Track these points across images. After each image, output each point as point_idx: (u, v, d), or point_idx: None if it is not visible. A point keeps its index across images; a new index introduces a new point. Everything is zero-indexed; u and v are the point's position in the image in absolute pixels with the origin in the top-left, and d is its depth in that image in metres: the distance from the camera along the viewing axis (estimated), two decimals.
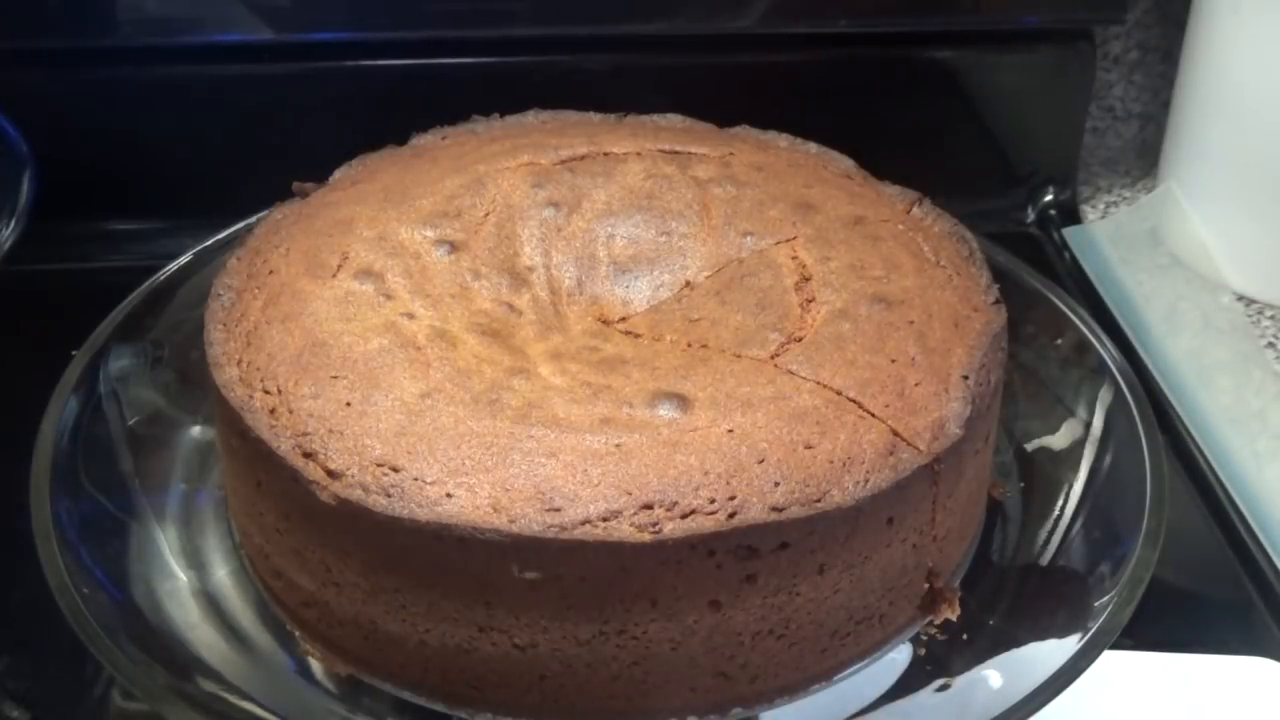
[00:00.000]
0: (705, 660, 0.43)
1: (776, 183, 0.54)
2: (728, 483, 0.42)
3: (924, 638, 0.48)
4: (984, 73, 0.80)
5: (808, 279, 0.50)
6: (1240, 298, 0.76)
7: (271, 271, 0.50)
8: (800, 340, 0.47)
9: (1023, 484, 0.55)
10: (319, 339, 0.46)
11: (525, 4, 0.74)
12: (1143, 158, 0.88)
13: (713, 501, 0.41)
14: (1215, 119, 0.75)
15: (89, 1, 0.71)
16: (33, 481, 0.49)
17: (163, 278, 0.58)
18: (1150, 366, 0.70)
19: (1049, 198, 0.84)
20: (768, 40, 0.78)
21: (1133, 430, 0.52)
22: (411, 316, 0.47)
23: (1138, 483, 0.50)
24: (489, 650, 0.43)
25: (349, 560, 0.44)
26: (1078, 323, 0.58)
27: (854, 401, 0.45)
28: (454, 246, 0.50)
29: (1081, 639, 0.45)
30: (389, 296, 0.48)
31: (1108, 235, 0.81)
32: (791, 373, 0.45)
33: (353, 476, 0.42)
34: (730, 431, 0.43)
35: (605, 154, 0.56)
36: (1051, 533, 0.52)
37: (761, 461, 0.42)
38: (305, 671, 0.47)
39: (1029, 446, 0.57)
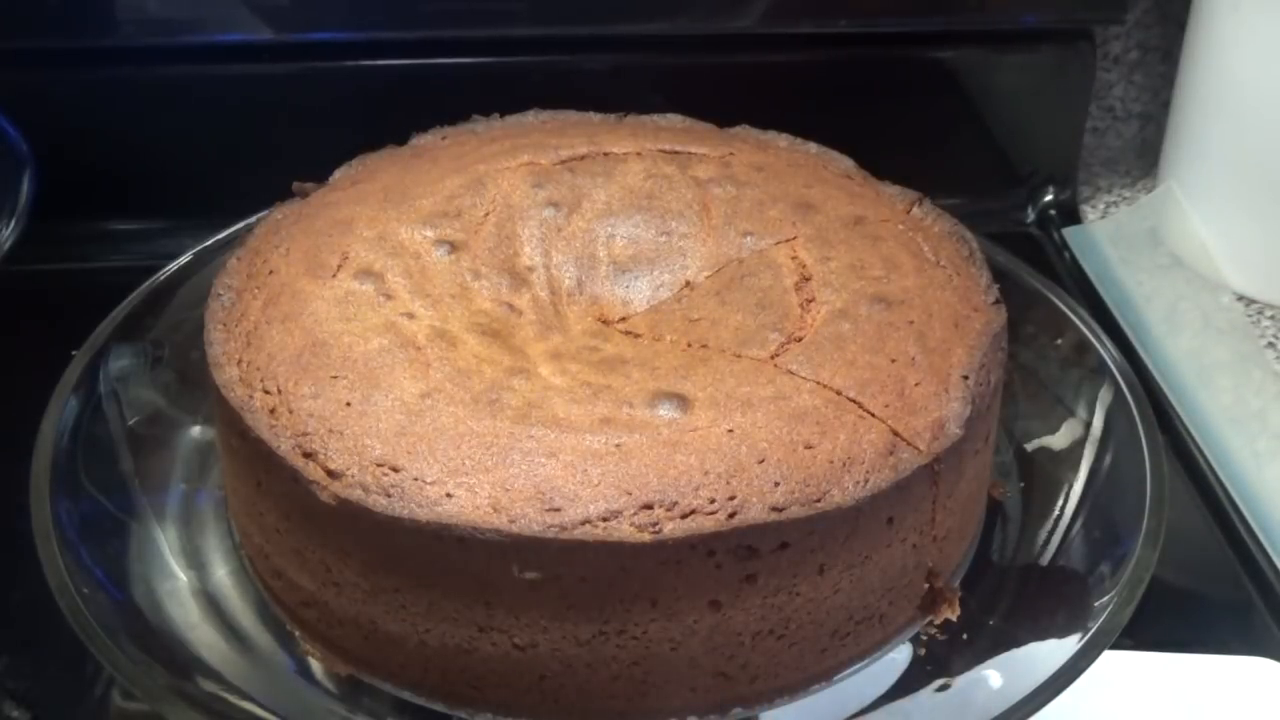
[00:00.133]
0: (705, 660, 0.43)
1: (776, 183, 0.54)
2: (728, 483, 0.42)
3: (924, 638, 0.48)
4: (984, 73, 0.80)
5: (808, 279, 0.50)
6: (1240, 298, 0.76)
7: (271, 271, 0.50)
8: (800, 340, 0.47)
9: (1023, 484, 0.55)
10: (319, 339, 0.46)
11: (525, 4, 0.74)
12: (1143, 158, 0.88)
13: (713, 501, 0.41)
14: (1215, 119, 0.75)
15: (89, 1, 0.71)
16: (33, 481, 0.49)
17: (163, 278, 0.58)
18: (1150, 366, 0.70)
19: (1049, 198, 0.84)
20: (768, 40, 0.78)
21: (1133, 430, 0.52)
22: (411, 316, 0.47)
23: (1138, 483, 0.50)
24: (489, 650, 0.43)
25: (349, 560, 0.44)
26: (1078, 323, 0.58)
27: (854, 401, 0.45)
28: (454, 246, 0.50)
29: (1081, 639, 0.45)
30: (389, 296, 0.48)
31: (1108, 235, 0.81)
32: (791, 373, 0.45)
33: (353, 476, 0.42)
34: (730, 431, 0.43)
35: (605, 154, 0.56)
36: (1051, 533, 0.52)
37: (761, 461, 0.42)
38: (305, 671, 0.47)
39: (1029, 446, 0.57)
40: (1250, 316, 0.75)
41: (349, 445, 0.43)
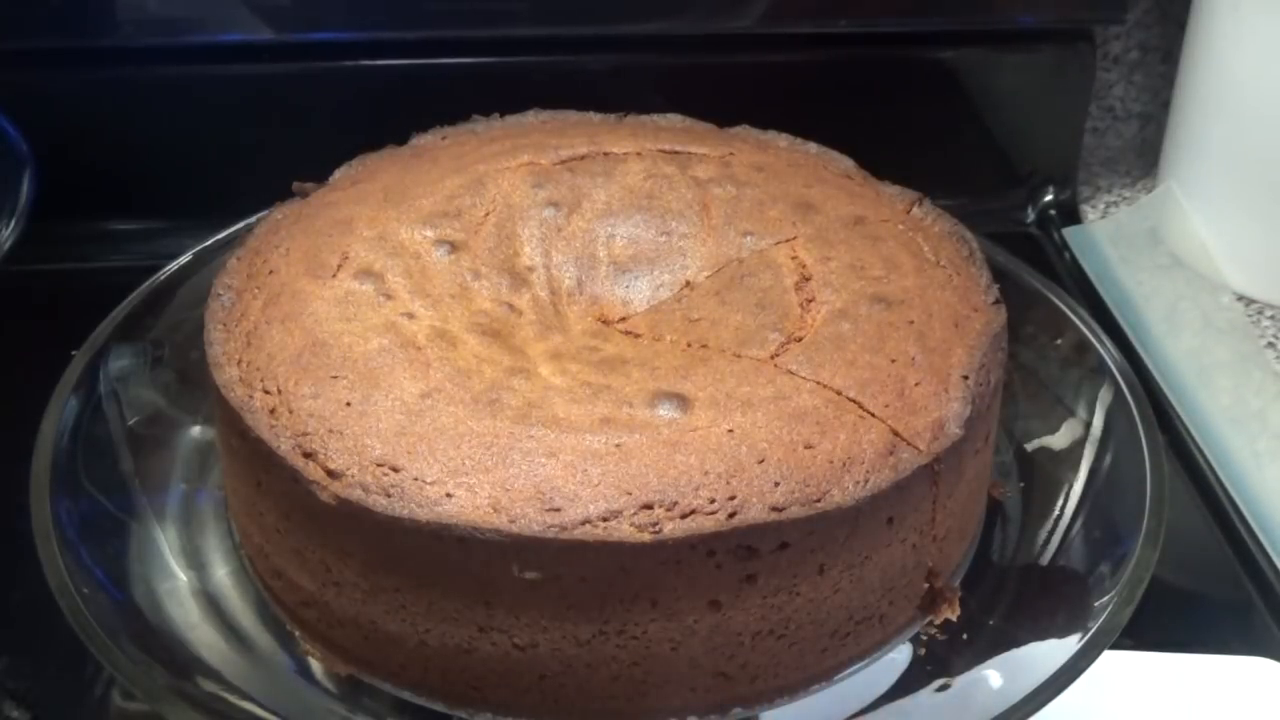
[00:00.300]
0: (705, 660, 0.43)
1: (776, 183, 0.54)
2: (728, 483, 0.42)
3: (924, 638, 0.48)
4: (984, 73, 0.80)
5: (808, 279, 0.50)
6: (1240, 298, 0.76)
7: (271, 271, 0.50)
8: (800, 340, 0.47)
9: (1023, 484, 0.55)
10: (319, 339, 0.46)
11: (525, 4, 0.74)
12: (1143, 158, 0.88)
13: (713, 501, 0.41)
14: (1215, 119, 0.75)
15: (89, 1, 0.71)
16: (33, 481, 0.49)
17: (163, 278, 0.58)
18: (1150, 366, 0.70)
19: (1049, 198, 0.84)
20: (768, 40, 0.78)
21: (1133, 430, 0.52)
22: (411, 316, 0.47)
23: (1138, 483, 0.50)
24: (489, 650, 0.43)
25: (349, 560, 0.44)
26: (1078, 323, 0.58)
27: (854, 401, 0.45)
28: (454, 246, 0.50)
29: (1081, 639, 0.45)
30: (389, 296, 0.48)
31: (1108, 235, 0.81)
32: (791, 373, 0.45)
33: (353, 476, 0.42)
34: (730, 431, 0.43)
35: (605, 154, 0.56)
36: (1051, 533, 0.52)
37: (761, 461, 0.42)
38: (305, 671, 0.47)
39: (1029, 446, 0.57)
40: (1250, 316, 0.75)
41: (349, 445, 0.43)
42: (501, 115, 0.60)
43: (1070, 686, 0.44)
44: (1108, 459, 0.54)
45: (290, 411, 0.44)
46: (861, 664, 0.47)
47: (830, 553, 0.43)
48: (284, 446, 0.43)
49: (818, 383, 0.45)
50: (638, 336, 0.49)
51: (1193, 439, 0.66)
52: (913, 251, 0.51)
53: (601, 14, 0.74)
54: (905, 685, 0.47)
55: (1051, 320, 0.59)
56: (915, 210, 0.55)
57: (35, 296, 0.71)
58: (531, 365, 0.46)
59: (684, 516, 0.41)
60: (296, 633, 0.48)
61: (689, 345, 0.48)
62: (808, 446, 0.43)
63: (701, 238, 0.52)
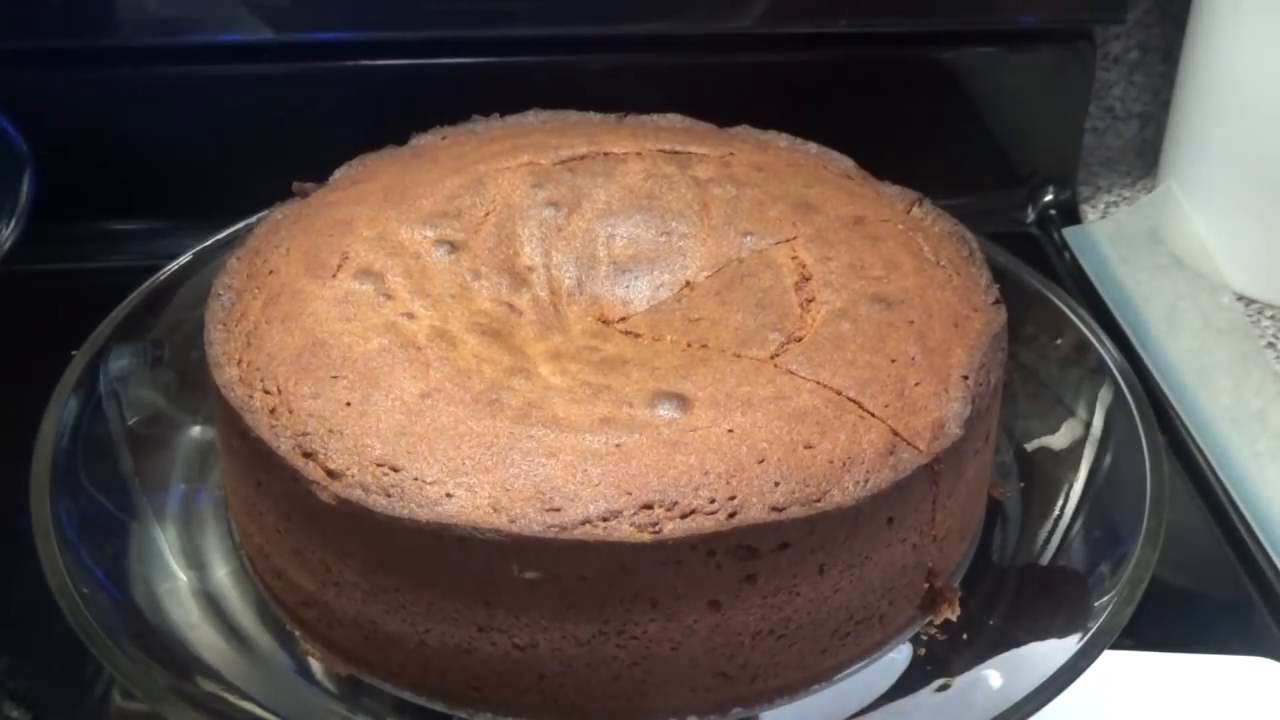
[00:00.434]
0: (705, 660, 0.43)
1: (776, 183, 0.54)
2: (728, 483, 0.42)
3: (924, 638, 0.48)
4: (983, 73, 0.80)
5: (808, 279, 0.50)
6: (1240, 298, 0.76)
7: (271, 271, 0.50)
8: (800, 340, 0.47)
9: (1023, 484, 0.55)
10: (319, 339, 0.46)
11: (525, 4, 0.74)
12: (1143, 158, 0.88)
13: (713, 501, 0.41)
14: (1215, 119, 0.75)
15: (89, 1, 0.71)
16: (33, 481, 0.49)
17: (163, 278, 0.58)
18: (1150, 366, 0.70)
19: (1049, 198, 0.84)
20: (768, 40, 0.78)
21: (1133, 430, 0.52)
22: (411, 316, 0.47)
23: (1138, 483, 0.50)
24: (489, 650, 0.43)
25: (349, 560, 0.44)
26: (1078, 323, 0.58)
27: (854, 401, 0.45)
28: (454, 246, 0.50)
29: (1081, 639, 0.45)
30: (389, 296, 0.48)
31: (1108, 235, 0.81)
32: (791, 373, 0.45)
33: (353, 476, 0.42)
34: (730, 431, 0.43)
35: (605, 154, 0.56)
36: (1051, 533, 0.52)
37: (761, 461, 0.42)
38: (305, 671, 0.47)
39: (1029, 446, 0.57)
40: (1250, 316, 0.75)
41: (349, 445, 0.43)
42: (501, 115, 0.60)
43: (1070, 686, 0.44)
44: (1108, 459, 0.54)
45: (290, 411, 0.44)
46: (861, 664, 0.47)
47: (830, 553, 0.43)
48: (284, 446, 0.43)
49: (818, 383, 0.45)
50: (638, 336, 0.49)
51: (1193, 439, 0.66)
52: (913, 251, 0.51)
53: (601, 14, 0.74)
54: (905, 685, 0.47)
55: (1051, 320, 0.59)
56: (915, 210, 0.55)
57: (35, 296, 0.71)
58: (531, 365, 0.46)
59: (684, 516, 0.41)
60: (296, 633, 0.48)
61: (689, 345, 0.48)
62: (808, 446, 0.43)
63: (701, 238, 0.52)
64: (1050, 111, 0.82)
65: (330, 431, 0.43)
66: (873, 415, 0.44)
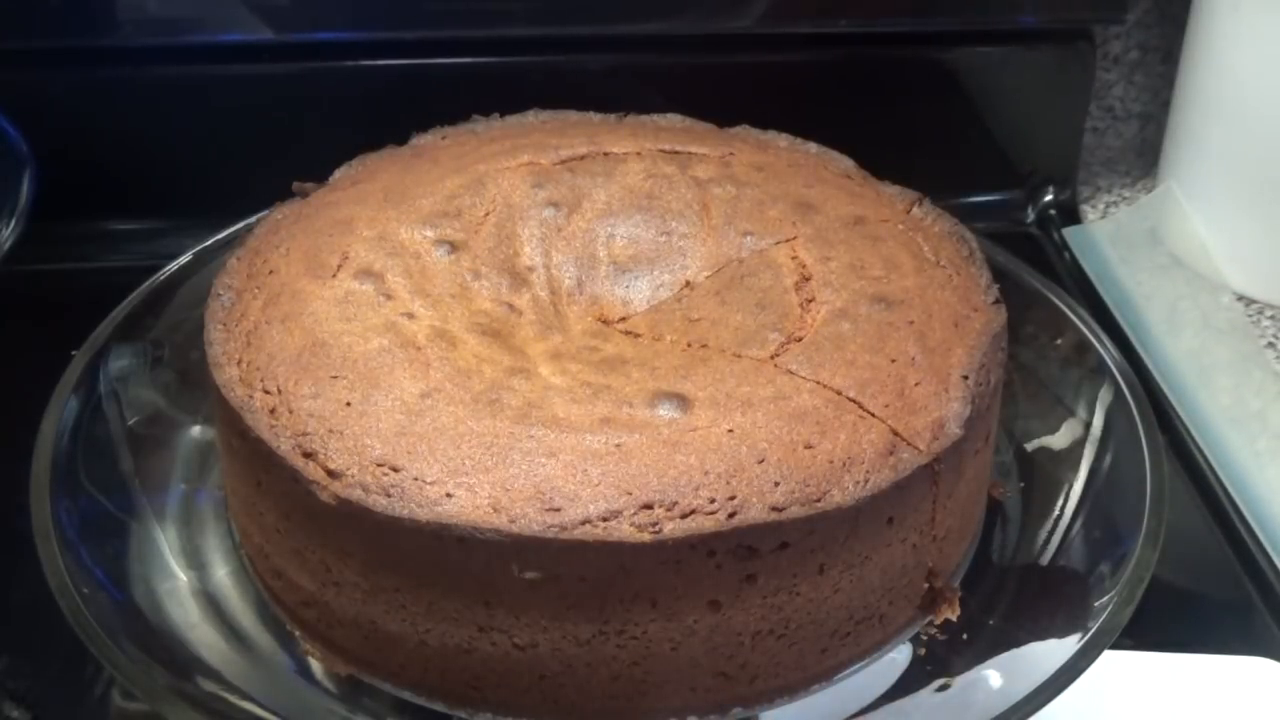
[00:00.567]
0: (705, 660, 0.43)
1: (776, 183, 0.54)
2: (728, 483, 0.42)
3: (924, 638, 0.48)
4: (984, 73, 0.80)
5: (808, 279, 0.50)
6: (1240, 298, 0.76)
7: (271, 271, 0.50)
8: (800, 340, 0.47)
9: (1023, 484, 0.55)
10: (319, 339, 0.46)
11: (524, 4, 0.74)
12: (1143, 158, 0.88)
13: (713, 501, 0.41)
14: (1215, 119, 0.75)
15: (89, 1, 0.71)
16: (33, 481, 0.49)
17: (163, 278, 0.58)
18: (1150, 366, 0.70)
19: (1049, 198, 0.84)
20: (768, 40, 0.78)
21: (1133, 430, 0.52)
22: (411, 316, 0.47)
23: (1138, 483, 0.50)
24: (489, 650, 0.43)
25: (349, 560, 0.44)
26: (1078, 323, 0.58)
27: (854, 401, 0.45)
28: (454, 246, 0.50)
29: (1081, 639, 0.45)
30: (389, 296, 0.48)
31: (1108, 235, 0.81)
32: (791, 373, 0.45)
33: (353, 476, 0.42)
34: (730, 431, 0.43)
35: (605, 154, 0.56)
36: (1051, 533, 0.52)
37: (761, 461, 0.42)
38: (305, 671, 0.47)
39: (1029, 446, 0.57)
40: (1250, 316, 0.75)
41: (349, 445, 0.43)
42: (501, 115, 0.60)
43: (1070, 686, 0.44)
44: (1108, 459, 0.54)
45: (290, 411, 0.44)
46: (861, 664, 0.47)
47: (830, 553, 0.43)
48: (284, 446, 0.43)
49: (818, 383, 0.45)
50: (638, 336, 0.49)
51: (1193, 439, 0.66)
52: (913, 251, 0.51)
53: (600, 14, 0.74)
54: (905, 685, 0.47)
55: (1051, 320, 0.59)
56: (915, 210, 0.55)
57: (35, 296, 0.71)
58: (531, 365, 0.46)
59: (684, 516, 0.41)
60: (296, 633, 0.48)
61: (689, 345, 0.48)
62: (808, 446, 0.43)
63: (701, 238, 0.52)
64: (1050, 111, 0.82)
65: (330, 431, 0.43)
66: (873, 415, 0.44)
